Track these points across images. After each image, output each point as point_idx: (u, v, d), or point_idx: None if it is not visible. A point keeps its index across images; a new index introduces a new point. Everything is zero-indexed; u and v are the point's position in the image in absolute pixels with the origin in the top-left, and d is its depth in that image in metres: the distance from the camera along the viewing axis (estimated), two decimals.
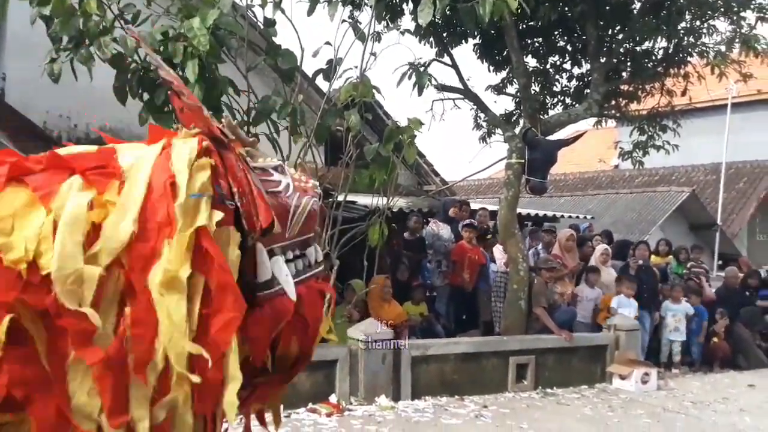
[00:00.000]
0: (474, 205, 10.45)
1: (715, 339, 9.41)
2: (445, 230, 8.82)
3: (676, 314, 9.12)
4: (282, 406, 5.53)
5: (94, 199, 1.53)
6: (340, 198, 6.42)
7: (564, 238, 8.84)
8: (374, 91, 5.94)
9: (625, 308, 8.27)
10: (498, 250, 8.83)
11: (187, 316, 1.50)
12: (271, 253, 1.79)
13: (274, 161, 1.91)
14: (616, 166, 20.59)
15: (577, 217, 13.12)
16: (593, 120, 10.05)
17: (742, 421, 6.31)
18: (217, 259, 1.55)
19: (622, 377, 7.67)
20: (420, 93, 6.47)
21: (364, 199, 7.67)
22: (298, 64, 5.81)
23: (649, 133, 9.82)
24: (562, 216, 12.22)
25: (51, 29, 5.34)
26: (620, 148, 10.48)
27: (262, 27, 5.93)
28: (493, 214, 9.16)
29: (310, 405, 5.86)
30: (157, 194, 1.56)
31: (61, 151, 1.69)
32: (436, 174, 11.96)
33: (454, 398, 6.60)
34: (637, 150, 9.98)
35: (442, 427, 5.59)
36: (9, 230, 1.46)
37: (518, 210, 10.06)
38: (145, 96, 5.65)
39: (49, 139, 6.80)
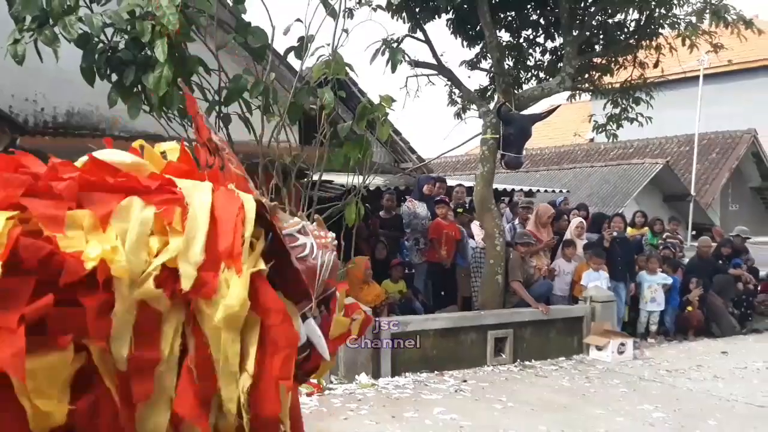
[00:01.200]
0: (451, 182, 10.46)
1: (689, 308, 9.59)
2: (421, 208, 8.84)
3: (652, 285, 9.26)
4: None
5: (156, 222, 1.49)
6: (315, 177, 6.37)
7: (545, 215, 8.93)
8: (347, 68, 5.87)
9: (594, 281, 8.37)
10: (476, 226, 8.86)
11: (243, 354, 1.47)
12: (304, 317, 1.80)
13: (297, 223, 1.88)
14: (592, 140, 20.72)
15: (553, 191, 13.20)
16: (567, 94, 10.08)
17: (715, 387, 6.45)
18: (273, 301, 1.54)
19: (599, 348, 7.78)
20: (393, 70, 6.42)
21: (340, 178, 7.63)
22: (269, 42, 5.71)
23: (623, 106, 9.87)
24: (538, 190, 12.28)
25: (13, 8, 5.18)
26: (594, 121, 10.52)
27: (231, 4, 5.82)
28: (470, 191, 9.18)
29: None
30: (225, 226, 1.53)
31: (100, 155, 1.67)
32: (413, 151, 11.91)
33: (434, 374, 6.66)
34: (610, 123, 10.03)
35: (422, 402, 5.64)
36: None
37: (495, 185, 10.11)
38: (114, 77, 5.54)
39: (15, 123, 6.64)
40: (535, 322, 7.66)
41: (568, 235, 9.18)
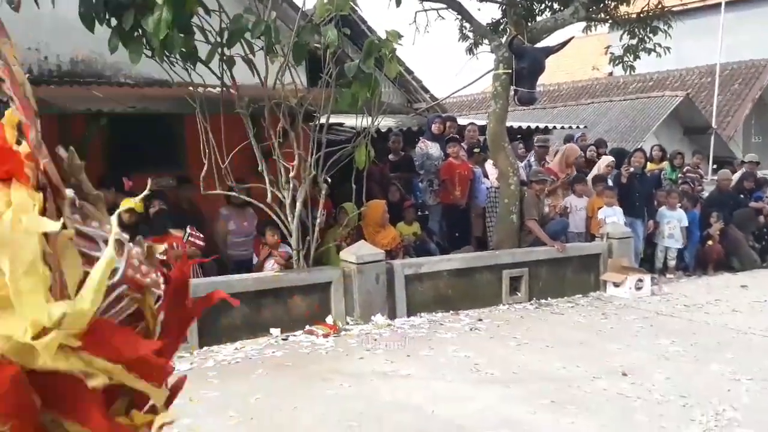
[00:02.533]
0: (463, 121, 10.27)
1: (710, 242, 9.46)
2: (434, 148, 8.69)
3: (671, 221, 9.12)
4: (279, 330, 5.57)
5: None
6: (323, 120, 6.26)
7: (572, 156, 8.84)
8: (352, 3, 5.68)
9: (611, 217, 8.27)
10: (489, 165, 8.74)
11: None
12: None
13: (112, 231, 1.20)
14: (610, 74, 20.18)
15: (570, 127, 12.94)
16: (582, 25, 9.75)
17: (733, 321, 6.39)
18: None
19: (616, 285, 7.73)
20: (398, 4, 6.21)
21: (349, 121, 7.51)
22: None
23: (640, 36, 9.53)
24: (554, 127, 12.04)
25: None
26: (611, 53, 10.20)
27: None
28: (483, 130, 9.00)
29: (306, 327, 5.91)
30: None
31: None
32: (426, 91, 11.68)
33: (449, 313, 6.66)
34: (627, 54, 9.72)
35: (437, 341, 5.66)
36: None
37: (511, 123, 9.91)
38: (113, 21, 5.42)
39: None
40: (551, 261, 7.60)
41: (595, 172, 9.10)
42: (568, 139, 11.32)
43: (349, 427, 3.74)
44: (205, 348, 5.43)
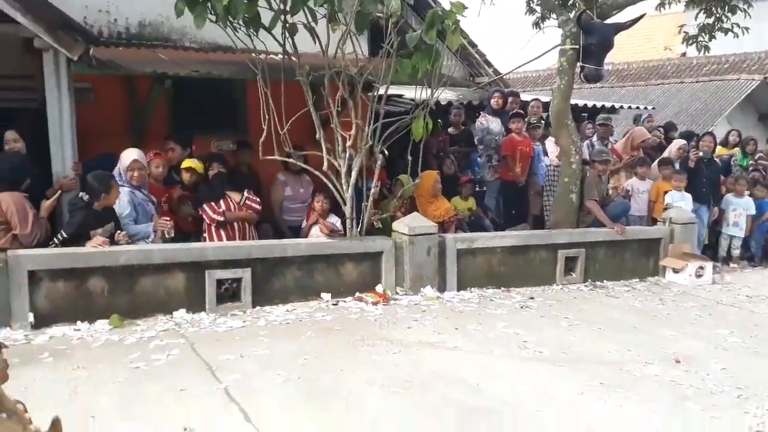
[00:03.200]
0: (527, 97, 10.06)
1: None
2: (495, 123, 8.57)
3: (737, 209, 8.78)
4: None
5: None
6: (382, 91, 6.23)
7: (639, 139, 8.64)
8: None
9: (679, 202, 8.01)
10: (550, 143, 8.56)
11: None
12: None
13: None
14: (683, 54, 19.36)
15: (638, 107, 12.51)
16: (656, 2, 9.34)
17: None
18: None
19: (676, 271, 7.51)
20: None
21: (409, 92, 7.45)
22: None
23: (717, 15, 9.07)
24: (621, 107, 11.66)
25: None
26: (685, 32, 9.75)
27: None
28: (547, 106, 8.80)
29: (356, 294, 5.97)
30: None
31: None
32: (489, 65, 11.44)
33: (500, 290, 6.61)
34: (702, 34, 9.28)
35: (486, 315, 5.63)
36: None
37: (576, 101, 9.67)
38: None
39: (89, 34, 6.74)
40: (610, 243, 7.43)
41: (666, 154, 8.84)
42: (636, 119, 10.98)
43: (395, 392, 3.77)
44: (257, 308, 5.56)
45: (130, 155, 5.71)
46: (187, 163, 6.23)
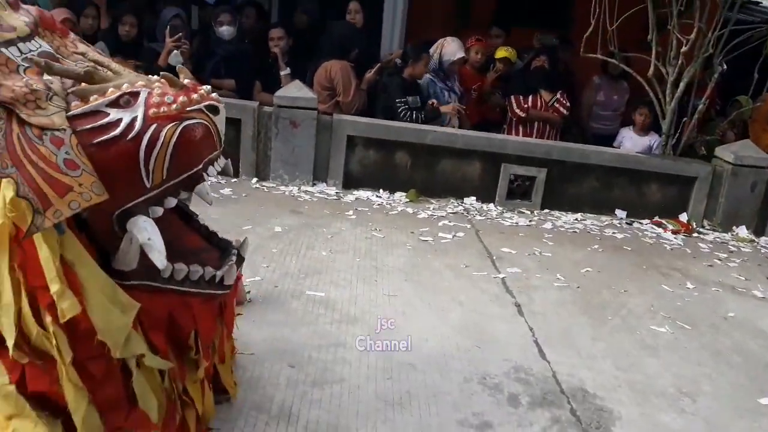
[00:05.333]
0: None
1: None
2: None
3: None
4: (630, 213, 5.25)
5: None
6: None
7: None
8: None
9: None
10: None
11: None
12: (130, 213, 1.55)
13: (118, 89, 1.53)
14: None
15: None
16: None
17: None
18: None
19: None
20: None
21: None
22: None
23: None
24: None
25: None
26: None
27: None
28: None
29: (656, 218, 5.51)
30: None
31: None
32: None
33: None
34: None
35: None
36: None
37: None
38: None
39: None
40: None
41: None
42: None
43: (680, 327, 3.46)
44: (546, 210, 5.45)
45: (456, 51, 5.65)
46: (501, 52, 6.13)
